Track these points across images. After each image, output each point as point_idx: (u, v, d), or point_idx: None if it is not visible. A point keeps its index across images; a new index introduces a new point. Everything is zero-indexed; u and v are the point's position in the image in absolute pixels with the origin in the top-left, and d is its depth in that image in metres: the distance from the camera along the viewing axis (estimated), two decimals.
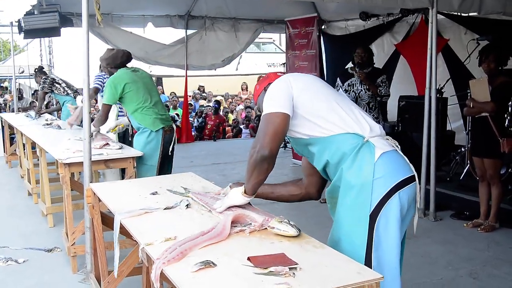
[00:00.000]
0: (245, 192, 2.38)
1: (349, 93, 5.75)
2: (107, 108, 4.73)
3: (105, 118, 4.81)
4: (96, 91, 6.13)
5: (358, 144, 2.27)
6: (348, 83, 5.82)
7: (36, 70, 8.25)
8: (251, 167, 2.29)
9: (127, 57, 4.90)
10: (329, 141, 2.32)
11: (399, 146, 2.38)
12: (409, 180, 2.29)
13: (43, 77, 7.79)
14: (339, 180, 2.31)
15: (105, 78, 5.96)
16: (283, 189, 2.70)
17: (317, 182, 2.62)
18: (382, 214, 2.22)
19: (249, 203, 2.47)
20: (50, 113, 8.21)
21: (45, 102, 8.59)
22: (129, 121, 5.14)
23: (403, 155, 2.36)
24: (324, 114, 2.33)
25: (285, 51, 9.26)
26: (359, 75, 5.70)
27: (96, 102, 7.82)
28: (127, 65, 4.90)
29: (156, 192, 2.97)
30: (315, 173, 2.54)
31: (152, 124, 4.64)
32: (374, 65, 6.00)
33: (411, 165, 2.35)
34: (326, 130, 2.31)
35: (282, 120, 2.26)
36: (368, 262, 2.19)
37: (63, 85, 7.66)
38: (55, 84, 7.65)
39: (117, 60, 4.84)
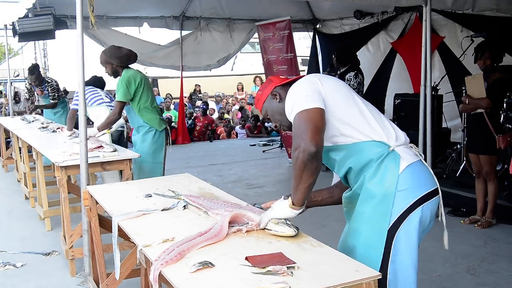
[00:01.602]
0: (293, 204, 2.16)
1: None
2: (122, 105, 4.82)
3: (118, 116, 4.87)
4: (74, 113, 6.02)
5: (383, 153, 2.18)
6: None
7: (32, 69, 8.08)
8: (299, 169, 2.07)
9: (135, 58, 5.03)
10: (354, 148, 2.22)
11: (422, 155, 2.30)
12: (433, 193, 2.24)
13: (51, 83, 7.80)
14: (359, 188, 2.23)
15: (92, 93, 5.95)
16: (341, 191, 2.47)
17: None
18: (403, 228, 2.16)
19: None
20: (41, 108, 8.12)
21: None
22: (126, 121, 5.15)
23: (427, 166, 2.30)
24: (351, 119, 2.22)
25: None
26: (325, 74, 5.88)
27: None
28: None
29: (150, 195, 2.96)
30: None
31: (158, 124, 4.92)
32: (357, 64, 6.11)
33: (434, 176, 2.29)
34: (352, 137, 2.21)
35: (319, 114, 2.10)
36: (383, 275, 2.11)
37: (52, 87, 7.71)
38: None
39: (130, 60, 4.95)
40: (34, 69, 7.76)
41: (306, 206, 2.25)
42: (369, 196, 2.19)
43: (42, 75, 8.06)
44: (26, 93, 8.34)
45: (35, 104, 8.18)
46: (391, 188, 2.15)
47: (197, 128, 12.63)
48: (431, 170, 2.29)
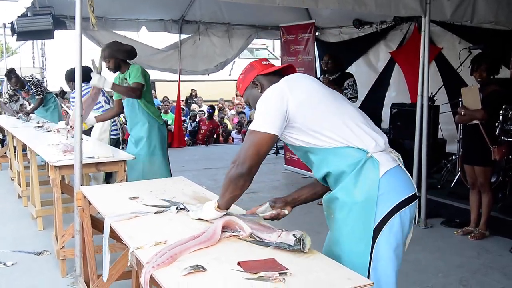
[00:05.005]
0: (218, 207, 2.33)
1: None
2: (142, 87, 4.82)
3: (139, 95, 4.84)
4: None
5: (361, 159, 2.15)
6: None
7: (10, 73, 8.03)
8: (227, 182, 2.24)
9: (136, 54, 5.12)
10: (330, 152, 2.19)
11: (401, 160, 2.27)
12: (411, 198, 2.21)
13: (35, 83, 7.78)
14: (338, 193, 2.21)
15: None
16: (323, 186, 2.42)
17: None
18: (383, 235, 2.14)
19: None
20: (32, 111, 8.09)
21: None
22: (121, 120, 5.25)
23: (406, 171, 2.27)
24: (326, 126, 2.18)
25: (279, 57, 9.24)
26: (324, 81, 5.92)
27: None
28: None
29: (137, 197, 2.92)
30: None
31: (159, 117, 5.13)
32: (345, 70, 6.28)
33: (413, 181, 2.28)
34: (327, 142, 2.18)
35: (267, 141, 2.18)
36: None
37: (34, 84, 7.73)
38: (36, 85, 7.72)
39: (132, 55, 5.06)
40: (10, 74, 7.75)
41: (292, 206, 2.46)
42: (351, 204, 2.16)
43: (20, 76, 8.02)
44: (7, 98, 8.32)
45: (26, 111, 8.12)
46: (373, 195, 2.12)
47: (202, 132, 12.60)
48: (409, 175, 2.27)
